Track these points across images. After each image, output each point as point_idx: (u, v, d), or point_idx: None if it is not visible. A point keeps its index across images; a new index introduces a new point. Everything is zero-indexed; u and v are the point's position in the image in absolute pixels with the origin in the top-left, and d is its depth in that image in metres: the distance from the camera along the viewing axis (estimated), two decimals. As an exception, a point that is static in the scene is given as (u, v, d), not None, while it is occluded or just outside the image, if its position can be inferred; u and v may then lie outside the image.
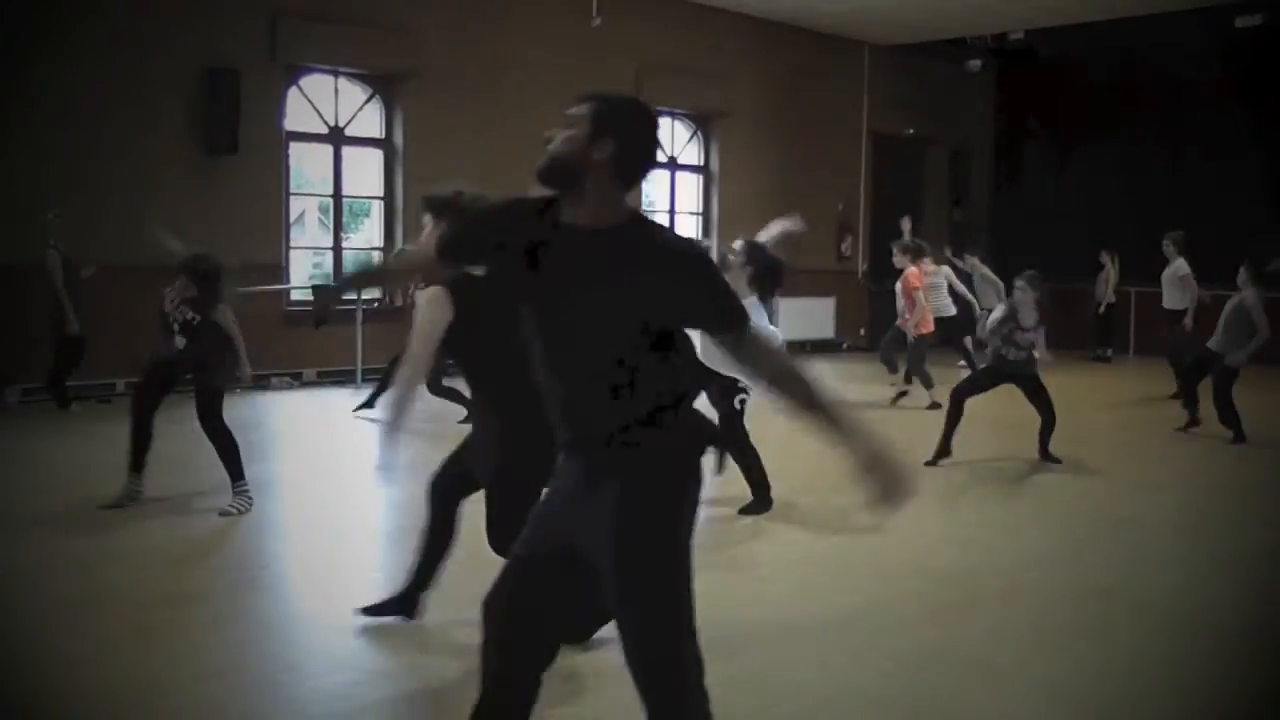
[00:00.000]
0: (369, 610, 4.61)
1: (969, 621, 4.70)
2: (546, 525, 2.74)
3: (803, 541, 6.05)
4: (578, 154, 2.59)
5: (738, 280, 6.34)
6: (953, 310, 12.50)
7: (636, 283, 2.54)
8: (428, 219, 4.34)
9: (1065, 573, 5.55)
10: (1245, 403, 9.31)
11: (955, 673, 4.07)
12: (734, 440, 6.61)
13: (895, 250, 11.80)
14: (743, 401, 6.46)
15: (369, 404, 9.87)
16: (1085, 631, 4.65)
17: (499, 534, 4.03)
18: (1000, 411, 9.03)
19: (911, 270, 11.29)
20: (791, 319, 14.72)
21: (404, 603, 4.58)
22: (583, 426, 2.65)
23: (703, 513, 6.57)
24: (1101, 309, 15.78)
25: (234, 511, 6.41)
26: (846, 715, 3.68)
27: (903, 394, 11.46)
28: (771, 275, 6.48)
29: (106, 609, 4.76)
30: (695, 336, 6.00)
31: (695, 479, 2.71)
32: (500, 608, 2.72)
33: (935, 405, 10.55)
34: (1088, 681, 4.05)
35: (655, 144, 2.70)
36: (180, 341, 6.49)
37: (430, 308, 4.02)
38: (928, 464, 8.04)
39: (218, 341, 6.56)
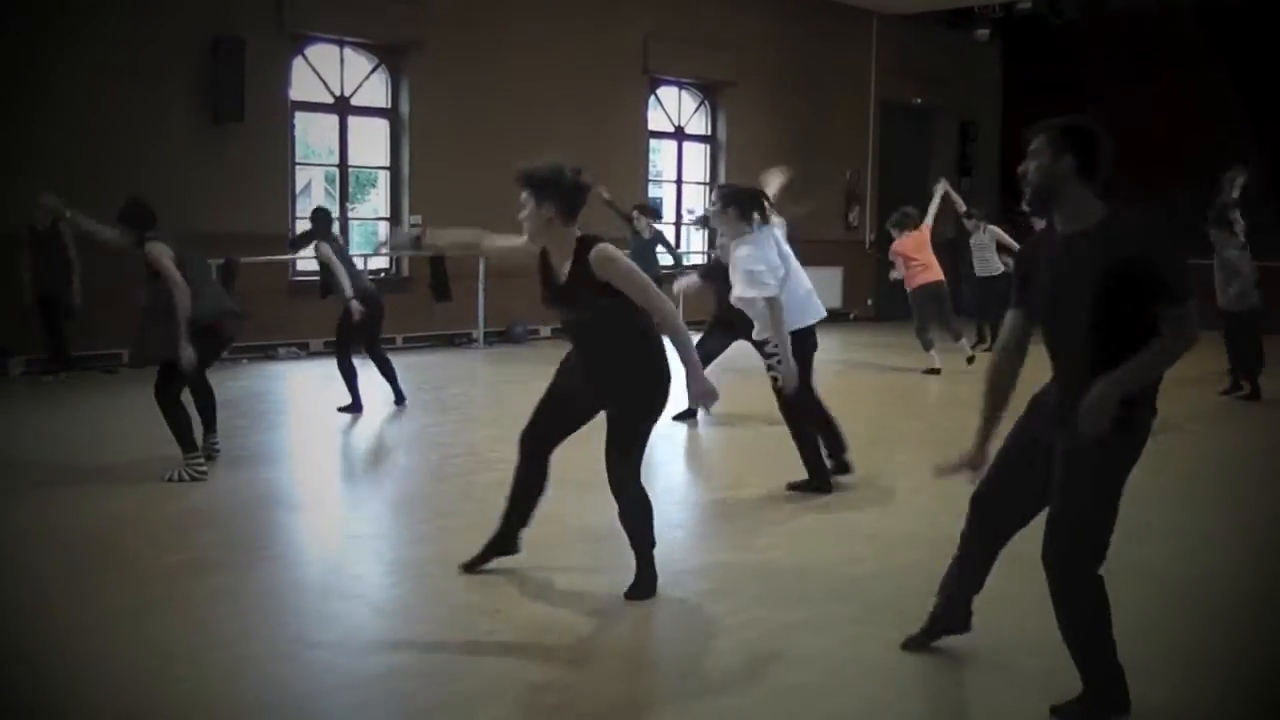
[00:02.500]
0: (468, 566, 4.84)
1: (973, 592, 4.72)
2: None
3: (806, 514, 6.06)
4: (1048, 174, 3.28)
5: (727, 224, 6.36)
6: (1000, 269, 12.52)
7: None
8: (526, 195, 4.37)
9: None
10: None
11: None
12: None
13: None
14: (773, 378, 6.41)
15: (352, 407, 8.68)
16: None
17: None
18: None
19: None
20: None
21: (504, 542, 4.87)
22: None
23: (700, 491, 6.53)
24: None
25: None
26: (853, 685, 3.71)
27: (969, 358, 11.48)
28: (750, 199, 6.45)
29: (114, 579, 4.79)
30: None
31: None
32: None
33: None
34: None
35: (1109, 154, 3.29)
36: None
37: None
38: None
39: None
